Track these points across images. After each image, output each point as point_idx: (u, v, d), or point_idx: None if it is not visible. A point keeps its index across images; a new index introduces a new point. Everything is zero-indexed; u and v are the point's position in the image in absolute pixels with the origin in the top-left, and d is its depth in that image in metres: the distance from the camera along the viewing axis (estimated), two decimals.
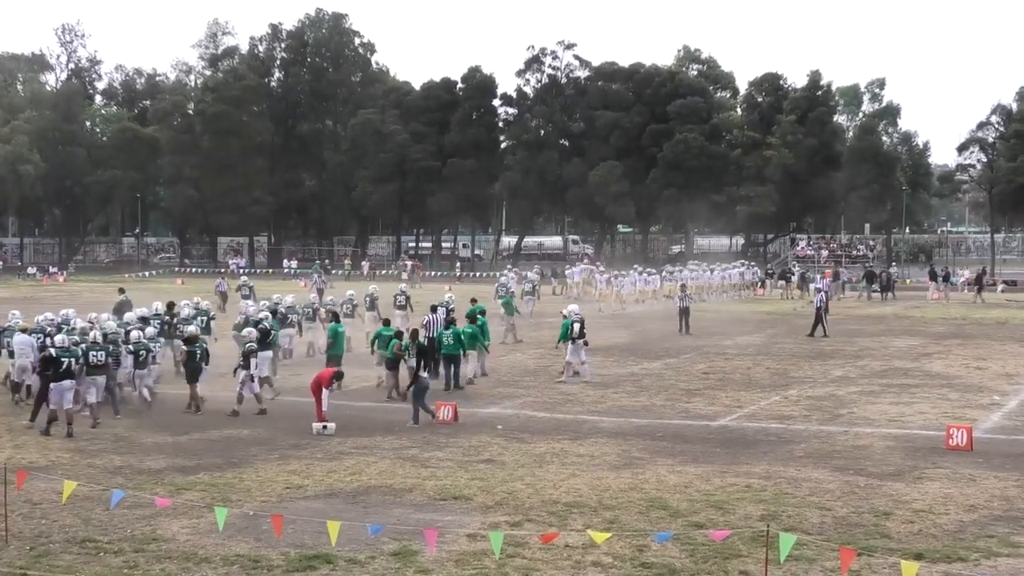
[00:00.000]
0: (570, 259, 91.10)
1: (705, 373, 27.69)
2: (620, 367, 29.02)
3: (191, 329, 24.59)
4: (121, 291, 36.43)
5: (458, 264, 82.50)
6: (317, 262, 77.47)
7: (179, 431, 19.77)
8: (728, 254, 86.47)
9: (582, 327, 25.91)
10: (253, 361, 21.73)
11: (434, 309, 27.35)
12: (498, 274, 50.75)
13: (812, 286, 47.25)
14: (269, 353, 24.15)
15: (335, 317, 27.30)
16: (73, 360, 19.55)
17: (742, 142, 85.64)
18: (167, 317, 27.15)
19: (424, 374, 20.72)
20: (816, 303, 37.49)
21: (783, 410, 21.96)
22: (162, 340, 24.49)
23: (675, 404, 22.82)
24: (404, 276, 67.34)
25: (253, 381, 21.65)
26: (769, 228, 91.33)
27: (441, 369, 24.92)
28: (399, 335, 23.61)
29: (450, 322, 25.50)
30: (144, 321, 25.34)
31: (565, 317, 26.55)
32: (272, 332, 24.79)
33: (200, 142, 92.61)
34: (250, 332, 22.98)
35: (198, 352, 22.29)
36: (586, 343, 26.16)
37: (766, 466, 16.61)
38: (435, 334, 25.43)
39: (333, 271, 76.20)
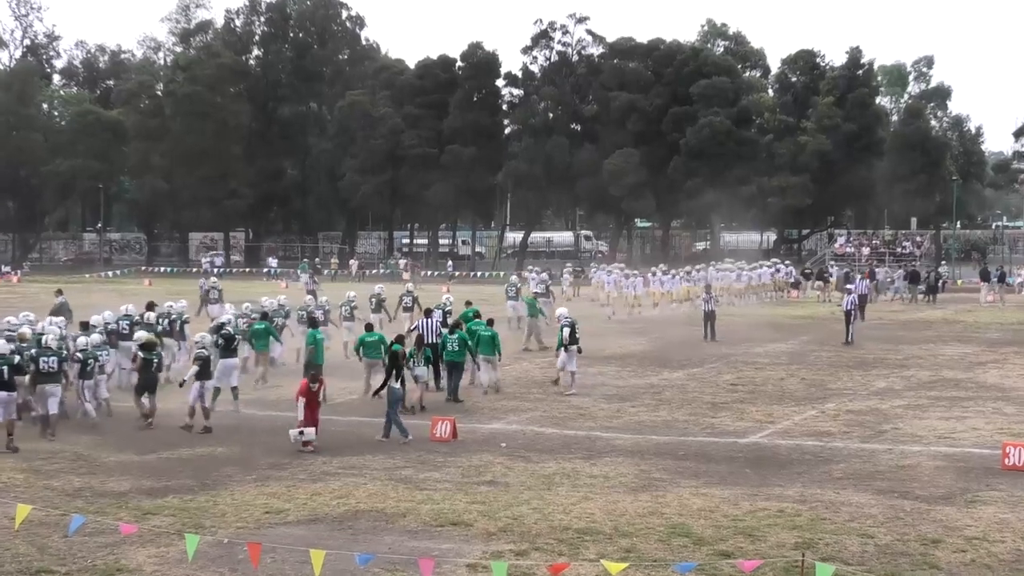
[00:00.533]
0: (582, 257, 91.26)
1: (733, 384, 27.66)
2: (638, 378, 28.99)
3: (142, 334, 24.37)
4: (59, 292, 36.73)
5: (450, 264, 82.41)
6: (305, 260, 77.59)
7: (145, 449, 19.75)
8: (758, 252, 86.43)
9: (573, 332, 26.11)
10: (195, 369, 21.50)
11: (428, 313, 27.51)
12: (511, 273, 50.69)
13: (844, 287, 47.24)
14: (235, 362, 24.22)
15: (312, 323, 27.39)
16: (7, 368, 19.58)
17: (774, 127, 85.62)
18: (144, 319, 27.31)
19: (395, 384, 20.82)
20: (845, 306, 37.39)
21: (820, 426, 21.93)
22: (109, 349, 24.39)
23: (699, 419, 22.80)
24: (405, 276, 67.46)
25: (202, 392, 21.45)
26: (804, 223, 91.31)
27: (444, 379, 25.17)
28: (399, 340, 23.73)
29: (455, 326, 25.94)
30: (135, 324, 25.82)
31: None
32: (236, 339, 24.77)
33: (170, 127, 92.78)
34: (203, 337, 22.94)
35: (155, 361, 22.27)
36: (579, 350, 26.31)
37: (801, 488, 16.57)
38: (434, 339, 25.57)
39: (325, 271, 76.05)
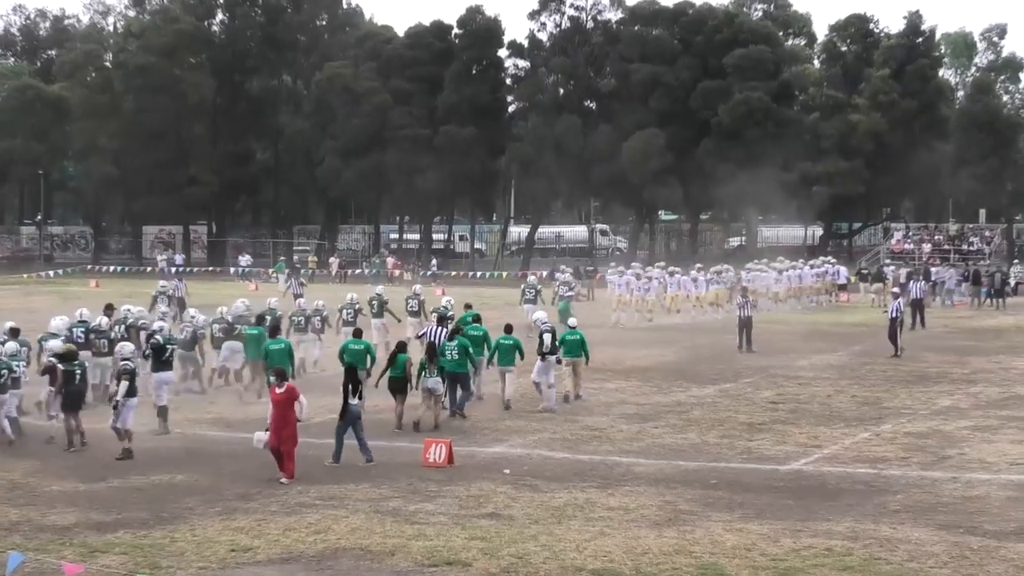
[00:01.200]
0: (598, 255, 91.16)
1: (773, 402, 27.69)
2: (662, 394, 29.02)
3: (54, 344, 24.34)
4: None
5: (433, 262, 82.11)
6: (283, 259, 77.54)
7: (92, 476, 19.77)
8: (802, 248, 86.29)
9: (553, 340, 26.40)
10: (125, 385, 21.40)
11: (442, 320, 27.87)
12: (526, 274, 50.93)
13: (891, 290, 47.06)
14: (168, 375, 24.33)
15: (274, 330, 27.79)
16: None
17: (821, 104, 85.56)
18: (99, 324, 27.48)
19: (354, 401, 20.86)
20: (892, 312, 37.21)
21: (874, 450, 21.93)
22: (24, 362, 24.43)
23: (733, 442, 22.81)
24: (407, 276, 67.49)
25: (117, 410, 21.41)
26: (855, 215, 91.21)
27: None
28: (401, 347, 24.18)
29: (454, 332, 26.23)
30: (92, 331, 26.19)
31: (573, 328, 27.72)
32: (169, 349, 24.84)
33: (120, 104, 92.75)
34: (122, 347, 22.94)
35: (77, 373, 22.31)
36: (559, 360, 26.66)
37: (852, 523, 16.56)
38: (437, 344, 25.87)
39: (309, 271, 75.49)
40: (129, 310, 29.51)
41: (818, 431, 23.92)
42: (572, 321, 29.08)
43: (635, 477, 19.71)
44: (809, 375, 32.34)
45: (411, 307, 37.08)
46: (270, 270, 75.05)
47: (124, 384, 21.47)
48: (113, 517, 17.01)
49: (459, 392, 25.63)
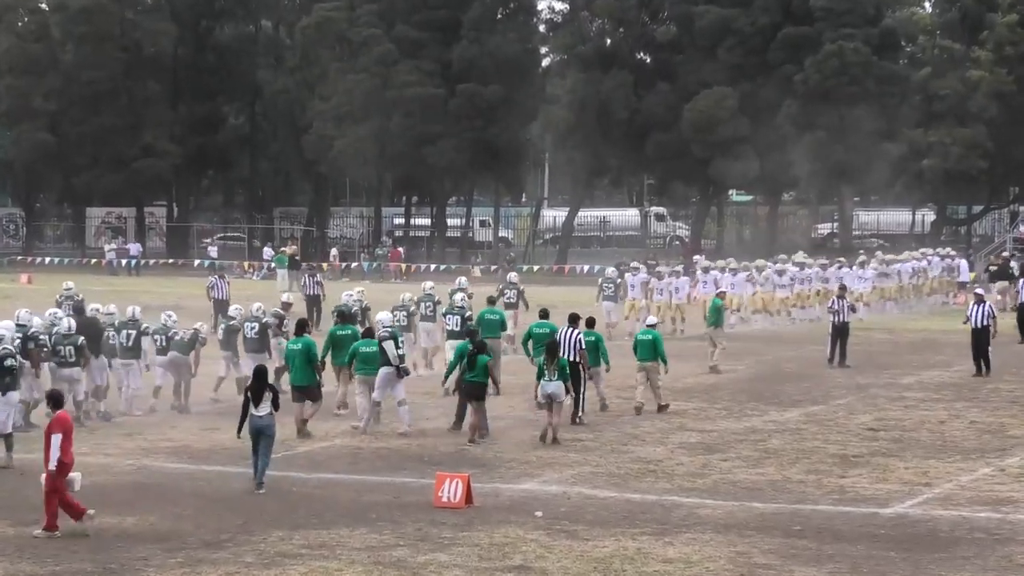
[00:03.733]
0: (653, 245, 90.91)
1: (871, 429, 27.59)
2: (732, 419, 28.99)
3: None
4: None
5: (385, 240, 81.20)
6: (282, 250, 77.72)
7: (25, 517, 19.79)
8: (908, 237, 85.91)
9: (396, 346, 26.98)
10: None
11: (574, 320, 28.59)
12: (612, 268, 50.77)
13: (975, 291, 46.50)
14: (13, 397, 24.55)
15: (300, 328, 28.54)
16: None
17: (932, 57, 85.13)
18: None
19: (261, 411, 21.46)
20: (974, 321, 35.99)
21: (998, 490, 21.88)
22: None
23: (822, 479, 22.76)
24: (477, 272, 67.71)
25: None
26: (976, 195, 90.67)
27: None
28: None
29: (471, 335, 27.95)
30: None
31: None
32: (15, 367, 25.00)
33: (59, 56, 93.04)
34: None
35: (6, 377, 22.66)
36: (405, 372, 27.26)
37: None
38: (575, 355, 27.62)
39: (324, 265, 75.41)
40: (99, 309, 30.01)
41: (927, 465, 23.83)
42: (651, 320, 31.21)
43: (699, 522, 19.66)
44: (917, 396, 32.21)
45: (508, 298, 40.05)
46: (271, 262, 74.57)
47: None
48: (49, 569, 17.07)
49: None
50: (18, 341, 26.44)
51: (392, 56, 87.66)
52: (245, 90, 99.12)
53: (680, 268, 50.80)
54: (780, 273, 50.13)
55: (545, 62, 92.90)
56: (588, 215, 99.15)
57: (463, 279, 40.13)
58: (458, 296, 35.53)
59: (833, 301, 39.67)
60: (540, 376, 25.88)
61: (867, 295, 52.43)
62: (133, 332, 29.03)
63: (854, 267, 53.45)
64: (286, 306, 33.84)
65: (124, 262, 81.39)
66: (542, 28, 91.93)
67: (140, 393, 29.08)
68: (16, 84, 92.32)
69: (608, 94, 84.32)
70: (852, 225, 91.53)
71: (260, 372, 22.38)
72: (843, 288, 41.93)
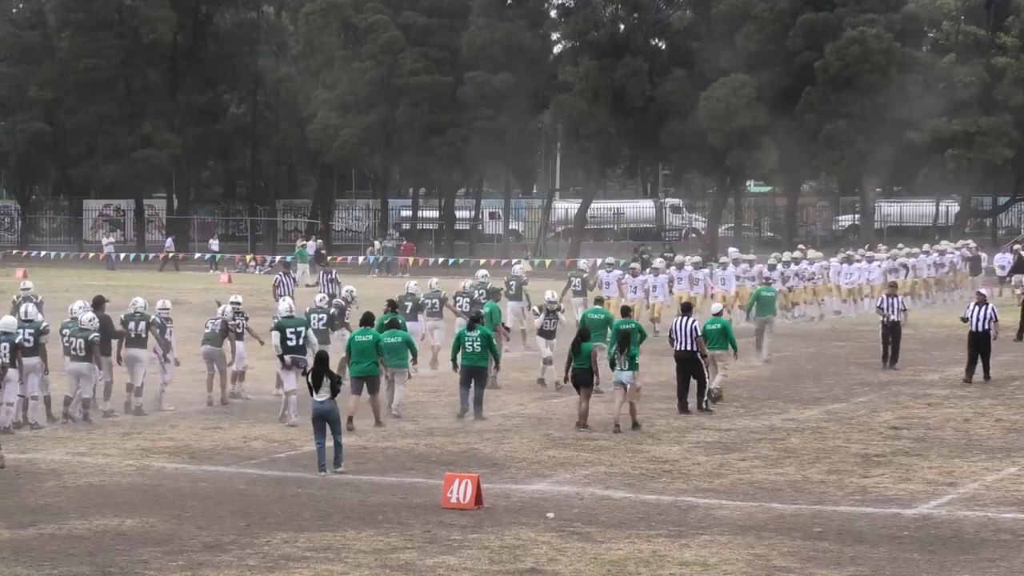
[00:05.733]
0: (669, 238, 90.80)
1: (894, 428, 27.55)
2: (751, 417, 28.94)
3: None
4: None
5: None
6: (304, 244, 77.66)
7: (21, 519, 19.82)
8: (932, 229, 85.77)
9: (285, 336, 27.57)
10: None
11: (687, 309, 29.78)
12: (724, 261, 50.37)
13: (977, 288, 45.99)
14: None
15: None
16: None
17: (956, 43, 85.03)
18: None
19: (322, 396, 22.31)
20: (973, 323, 34.83)
21: None
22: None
23: (843, 479, 22.72)
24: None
25: None
26: (1002, 186, 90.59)
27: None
28: (585, 335, 27.22)
29: (475, 321, 29.15)
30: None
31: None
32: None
33: (55, 44, 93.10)
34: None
35: None
36: (297, 363, 27.20)
37: None
38: (689, 343, 28.77)
39: (329, 256, 75.31)
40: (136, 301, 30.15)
41: (952, 465, 23.78)
42: (716, 307, 32.17)
43: (716, 524, 19.64)
44: (941, 393, 32.14)
45: (575, 287, 42.46)
46: (289, 257, 74.35)
47: None
48: (45, 573, 17.07)
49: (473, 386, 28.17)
50: (29, 335, 26.70)
51: (399, 43, 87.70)
52: (246, 78, 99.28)
53: (699, 259, 50.33)
54: (771, 268, 49.02)
55: (556, 49, 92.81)
56: (601, 207, 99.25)
57: (483, 271, 40.73)
58: (468, 283, 37.51)
59: (882, 300, 38.89)
60: (612, 366, 27.18)
61: (877, 289, 52.08)
62: (169, 326, 29.60)
63: (850, 261, 52.91)
64: (350, 297, 34.70)
65: (208, 256, 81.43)
66: (553, 14, 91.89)
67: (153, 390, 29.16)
68: (11, 73, 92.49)
69: (622, 81, 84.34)
70: (874, 216, 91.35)
71: (322, 358, 23.13)
72: (893, 286, 41.00)
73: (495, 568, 17.24)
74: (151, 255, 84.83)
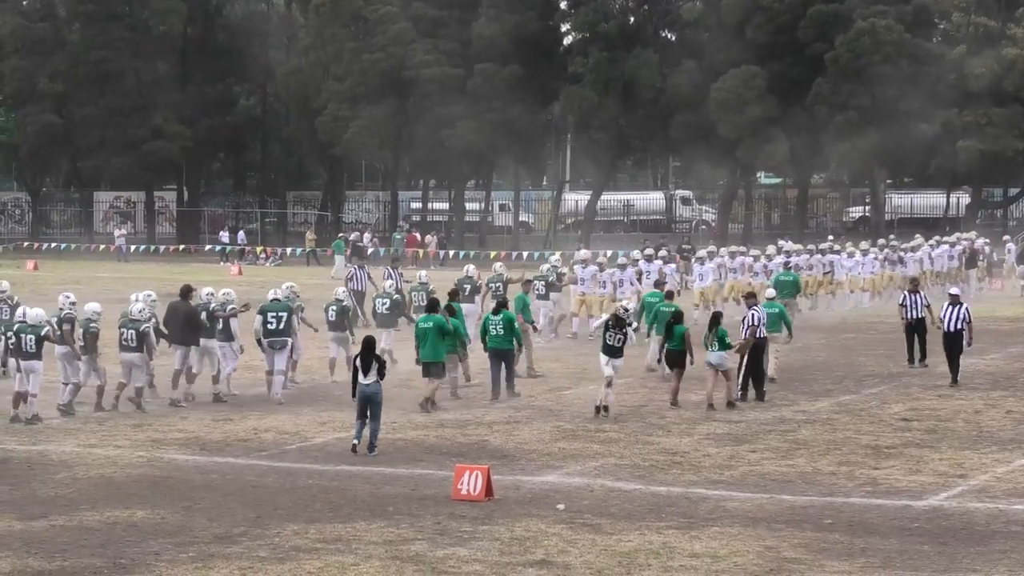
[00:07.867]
0: (679, 231, 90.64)
1: (905, 419, 27.57)
2: (760, 408, 28.96)
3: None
4: None
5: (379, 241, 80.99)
6: (341, 236, 77.42)
7: (32, 511, 19.91)
8: (943, 220, 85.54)
9: (266, 320, 29.12)
10: None
11: (751, 298, 31.34)
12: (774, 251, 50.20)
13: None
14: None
15: (431, 306, 30.20)
16: None
17: (967, 34, 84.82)
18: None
19: (369, 379, 23.41)
20: (946, 323, 34.71)
21: None
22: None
23: (853, 471, 22.76)
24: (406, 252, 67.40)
25: None
26: (1013, 177, 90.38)
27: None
28: (678, 318, 29.30)
29: (500, 306, 30.53)
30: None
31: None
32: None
33: (66, 36, 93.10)
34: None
35: None
36: (272, 346, 29.00)
37: (1006, 574, 16.54)
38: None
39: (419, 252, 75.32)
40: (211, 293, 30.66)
41: (963, 456, 23.82)
42: (770, 292, 33.88)
43: (726, 515, 19.69)
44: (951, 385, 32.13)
45: (538, 289, 41.83)
46: (332, 248, 74.23)
47: None
48: (57, 564, 17.13)
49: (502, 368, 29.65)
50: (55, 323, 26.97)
51: (409, 35, 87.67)
52: (257, 70, 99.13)
53: (712, 251, 50.23)
54: (755, 259, 48.81)
55: (567, 40, 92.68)
56: (611, 198, 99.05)
57: (499, 264, 41.96)
58: (498, 265, 40.20)
59: (904, 296, 38.47)
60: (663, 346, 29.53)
61: (873, 281, 51.89)
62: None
63: (843, 253, 52.57)
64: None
65: (230, 249, 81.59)
66: (563, 5, 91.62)
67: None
68: (21, 65, 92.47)
69: (632, 73, 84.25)
70: (885, 208, 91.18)
71: (369, 343, 24.19)
72: (915, 281, 40.55)
73: (505, 560, 17.28)
74: (161, 247, 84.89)
